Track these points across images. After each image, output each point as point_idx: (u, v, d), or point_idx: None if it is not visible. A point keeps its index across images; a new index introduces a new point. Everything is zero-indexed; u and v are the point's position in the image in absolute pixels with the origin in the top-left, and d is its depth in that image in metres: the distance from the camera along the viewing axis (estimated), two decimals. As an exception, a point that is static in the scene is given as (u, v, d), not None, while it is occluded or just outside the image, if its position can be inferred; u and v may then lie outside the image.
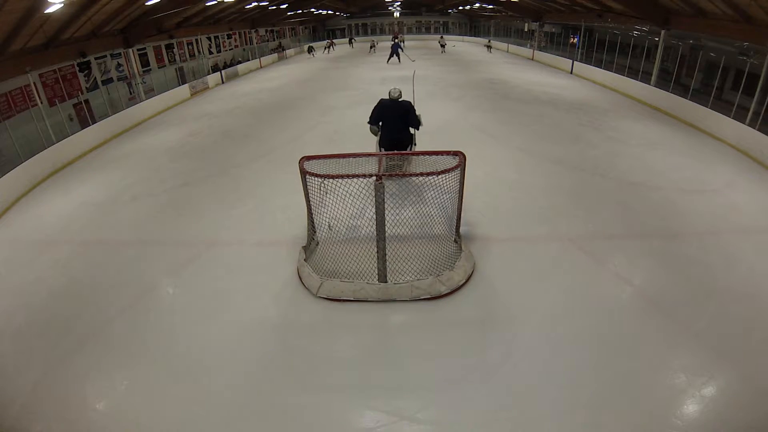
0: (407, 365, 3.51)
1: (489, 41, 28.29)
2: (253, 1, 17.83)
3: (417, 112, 5.92)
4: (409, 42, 31.32)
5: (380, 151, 5.96)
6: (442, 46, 26.68)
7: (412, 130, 5.98)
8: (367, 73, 18.21)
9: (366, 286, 4.20)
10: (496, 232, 5.29)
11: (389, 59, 21.11)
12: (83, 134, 9.74)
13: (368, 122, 5.99)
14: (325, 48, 29.69)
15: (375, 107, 5.87)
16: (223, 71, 18.68)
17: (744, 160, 7.57)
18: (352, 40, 35.31)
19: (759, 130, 7.63)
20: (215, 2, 14.10)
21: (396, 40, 25.16)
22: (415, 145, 6.19)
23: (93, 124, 10.53)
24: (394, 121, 5.78)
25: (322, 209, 4.43)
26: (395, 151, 5.73)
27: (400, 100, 5.83)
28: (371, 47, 28.04)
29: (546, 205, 5.92)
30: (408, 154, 5.51)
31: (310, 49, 28.48)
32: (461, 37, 35.52)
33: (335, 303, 4.18)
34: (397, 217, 4.28)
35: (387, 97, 5.87)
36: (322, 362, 3.56)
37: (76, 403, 3.31)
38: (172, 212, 6.29)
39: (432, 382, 3.35)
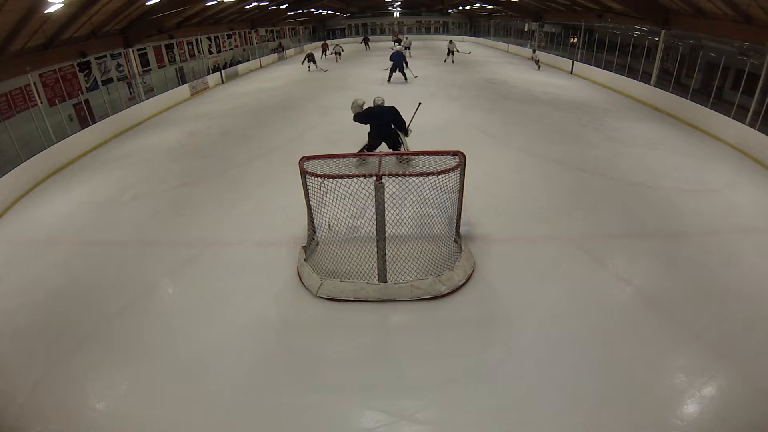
0: (407, 365, 3.51)
1: (535, 51, 19.20)
2: (253, 1, 17.81)
3: (407, 125, 6.77)
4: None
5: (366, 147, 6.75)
6: (451, 52, 20.29)
7: (401, 137, 6.71)
8: (367, 72, 18.20)
9: (366, 286, 4.21)
10: (496, 232, 5.29)
11: (390, 77, 15.01)
12: (83, 134, 9.74)
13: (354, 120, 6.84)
14: (335, 54, 23.43)
15: (363, 114, 6.67)
16: (223, 71, 18.67)
17: (744, 160, 7.57)
18: (368, 41, 29.75)
19: (759, 130, 7.64)
20: (215, 2, 14.09)
21: (397, 45, 20.72)
22: (406, 149, 6.76)
23: (93, 124, 10.52)
24: (381, 119, 6.56)
25: (322, 209, 4.43)
26: (396, 151, 5.78)
27: (385, 105, 6.69)
28: (395, 69, 14.88)
29: (546, 205, 5.92)
30: (409, 154, 5.53)
31: (310, 58, 19.81)
32: (461, 37, 35.43)
33: (335, 303, 4.19)
34: (397, 217, 4.28)
35: (373, 105, 6.74)
36: (322, 362, 3.56)
37: (76, 403, 3.31)
38: (172, 212, 6.29)
39: (432, 382, 3.35)
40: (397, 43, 23.81)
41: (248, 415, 3.14)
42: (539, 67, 18.51)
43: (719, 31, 9.82)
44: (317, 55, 22.37)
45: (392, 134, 6.63)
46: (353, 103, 6.98)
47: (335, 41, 28.71)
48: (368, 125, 6.75)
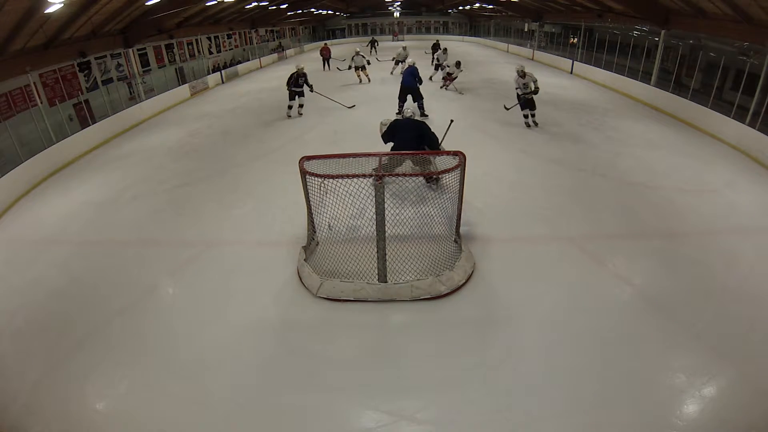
0: (407, 365, 3.51)
1: (444, 68, 13.67)
2: (253, 1, 17.81)
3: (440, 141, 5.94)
4: (409, 42, 29.84)
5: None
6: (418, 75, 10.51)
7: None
8: (370, 73, 18.16)
9: (366, 286, 4.21)
10: (496, 232, 5.29)
11: (401, 108, 10.02)
12: (83, 134, 9.74)
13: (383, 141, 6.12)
14: (357, 71, 14.88)
15: (388, 128, 6.00)
16: (223, 71, 18.67)
17: (744, 160, 7.57)
18: (376, 43, 24.75)
19: (759, 130, 7.63)
20: (215, 2, 14.09)
21: (400, 64, 15.08)
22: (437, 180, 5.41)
23: (93, 124, 10.52)
24: (405, 134, 5.77)
25: (322, 209, 4.43)
26: (396, 151, 5.74)
27: (414, 118, 5.94)
28: (404, 98, 10.18)
29: (546, 205, 5.92)
30: (409, 153, 5.50)
31: (294, 91, 10.64)
32: (461, 37, 35.40)
33: (335, 303, 4.19)
34: (397, 217, 4.28)
35: (401, 117, 5.99)
36: (322, 362, 3.56)
37: (76, 403, 3.31)
38: (172, 212, 6.29)
39: (432, 382, 3.35)
40: (398, 63, 16.01)
41: (248, 415, 3.14)
42: (447, 86, 13.03)
43: (719, 31, 9.81)
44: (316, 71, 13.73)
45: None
46: (380, 126, 6.30)
47: (354, 42, 21.17)
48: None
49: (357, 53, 14.92)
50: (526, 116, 9.39)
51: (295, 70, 10.45)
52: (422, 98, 10.18)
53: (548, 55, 19.81)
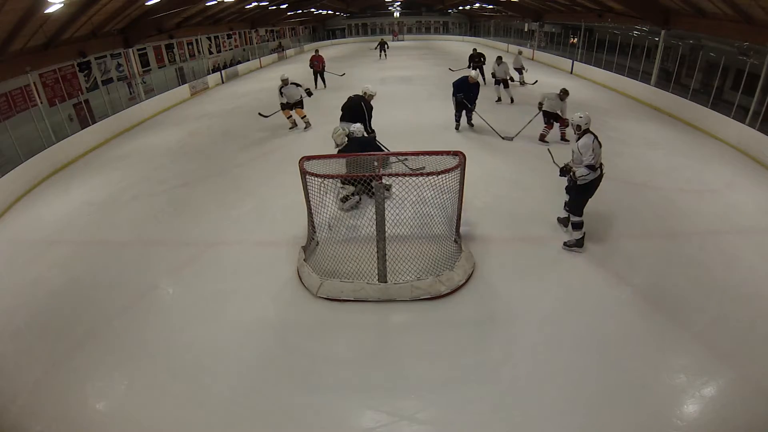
0: (407, 365, 3.51)
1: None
2: (253, 1, 17.83)
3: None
4: (409, 42, 29.61)
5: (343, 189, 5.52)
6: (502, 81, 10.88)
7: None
8: (367, 72, 18.20)
9: (366, 286, 4.21)
10: (496, 232, 5.29)
11: (459, 122, 9.27)
12: (83, 134, 9.75)
13: None
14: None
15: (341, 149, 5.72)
16: (223, 71, 18.68)
17: (744, 160, 7.57)
18: (385, 46, 23.73)
19: (759, 130, 7.63)
20: (215, 2, 14.10)
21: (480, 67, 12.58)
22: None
23: (93, 124, 10.53)
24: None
25: (322, 209, 4.43)
26: (398, 151, 5.72)
27: (362, 137, 5.76)
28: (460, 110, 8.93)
29: (546, 205, 5.91)
30: (410, 153, 5.48)
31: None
32: (462, 37, 35.38)
33: (335, 303, 4.19)
34: (397, 217, 4.28)
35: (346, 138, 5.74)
36: (322, 362, 3.56)
37: (76, 403, 3.31)
38: (172, 212, 6.29)
39: (432, 382, 3.35)
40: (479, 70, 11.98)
41: (248, 415, 3.14)
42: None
43: (719, 31, 9.82)
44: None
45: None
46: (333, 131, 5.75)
47: (355, 42, 19.17)
48: None
49: (286, 83, 9.25)
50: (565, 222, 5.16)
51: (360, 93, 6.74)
52: (471, 108, 9.03)
53: (548, 55, 19.82)
